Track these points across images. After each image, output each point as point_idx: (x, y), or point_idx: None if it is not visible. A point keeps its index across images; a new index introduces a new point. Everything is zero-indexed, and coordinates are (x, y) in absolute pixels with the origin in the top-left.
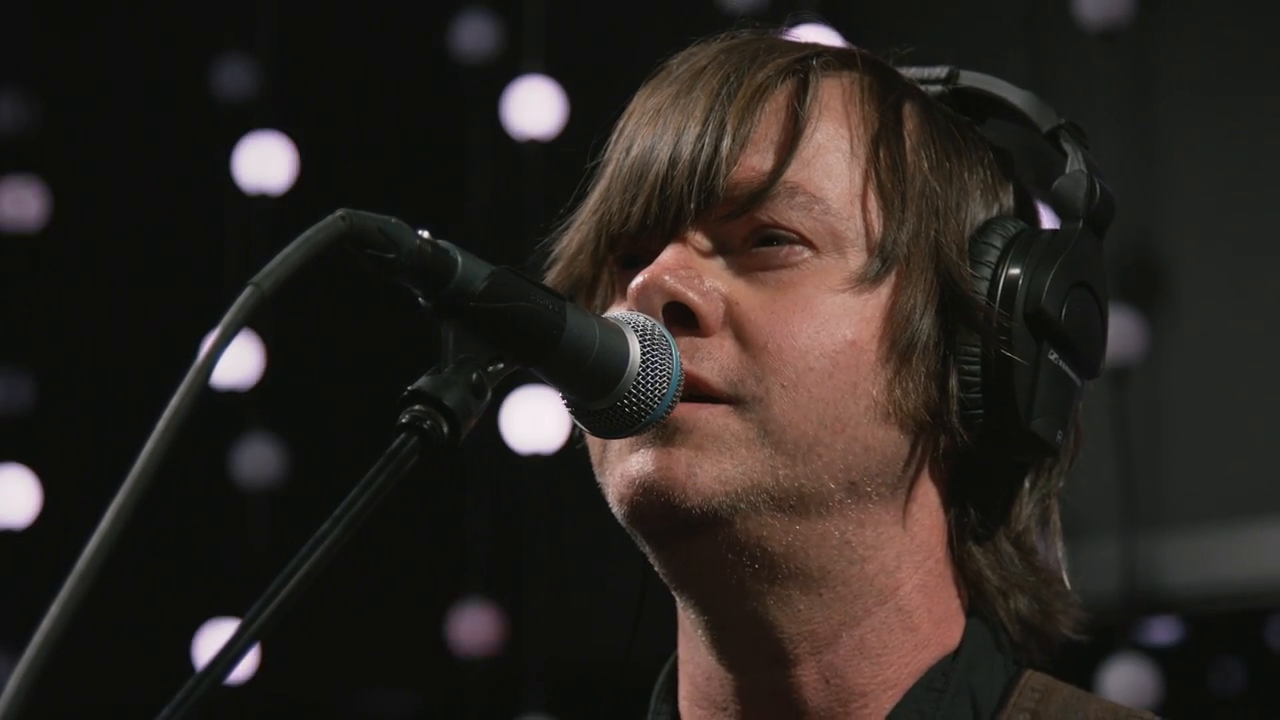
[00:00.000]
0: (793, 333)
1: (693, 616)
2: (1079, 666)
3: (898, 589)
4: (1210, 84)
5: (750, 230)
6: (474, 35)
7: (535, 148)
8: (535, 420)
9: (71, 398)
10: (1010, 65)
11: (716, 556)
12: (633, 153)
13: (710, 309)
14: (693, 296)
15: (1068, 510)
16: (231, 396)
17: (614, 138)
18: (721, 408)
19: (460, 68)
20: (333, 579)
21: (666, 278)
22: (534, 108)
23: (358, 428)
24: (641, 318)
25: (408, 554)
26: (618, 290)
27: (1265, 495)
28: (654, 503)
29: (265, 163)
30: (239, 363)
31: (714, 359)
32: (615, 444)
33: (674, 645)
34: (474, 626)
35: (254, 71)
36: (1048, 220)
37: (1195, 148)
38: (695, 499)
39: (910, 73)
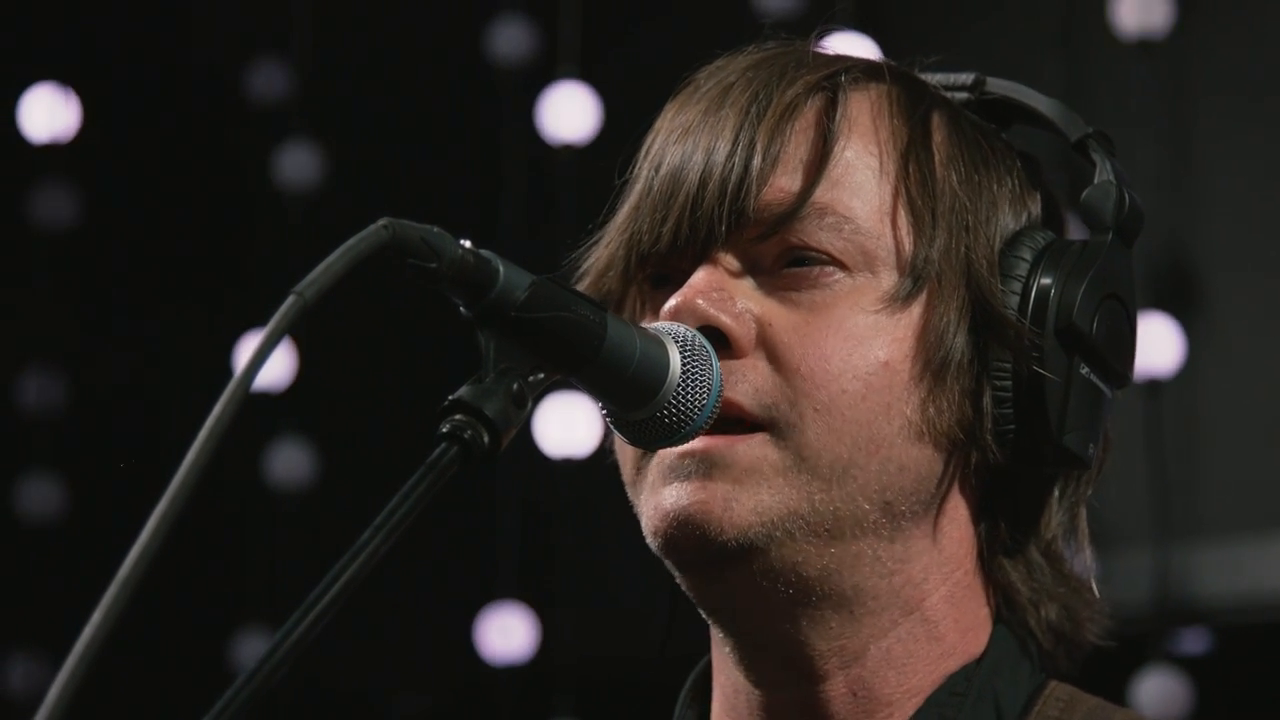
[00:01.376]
0: (826, 355)
1: (721, 636)
2: (1111, 677)
3: (924, 600)
4: (1247, 92)
5: (781, 251)
6: (509, 40)
7: (570, 153)
8: (567, 425)
9: (104, 399)
10: (1046, 73)
11: (751, 585)
12: (662, 171)
13: (743, 331)
14: (725, 320)
15: (1101, 520)
16: (264, 400)
17: (642, 153)
18: (759, 437)
19: (495, 72)
20: (365, 581)
21: (699, 301)
22: (569, 113)
23: (389, 431)
24: (681, 328)
25: (439, 557)
26: (647, 308)
27: None
28: (689, 536)
29: (300, 166)
30: (272, 366)
31: (748, 381)
32: (649, 470)
33: (702, 647)
34: (504, 630)
35: (289, 75)
36: (1075, 226)
37: (1232, 156)
38: (731, 532)
39: (936, 79)
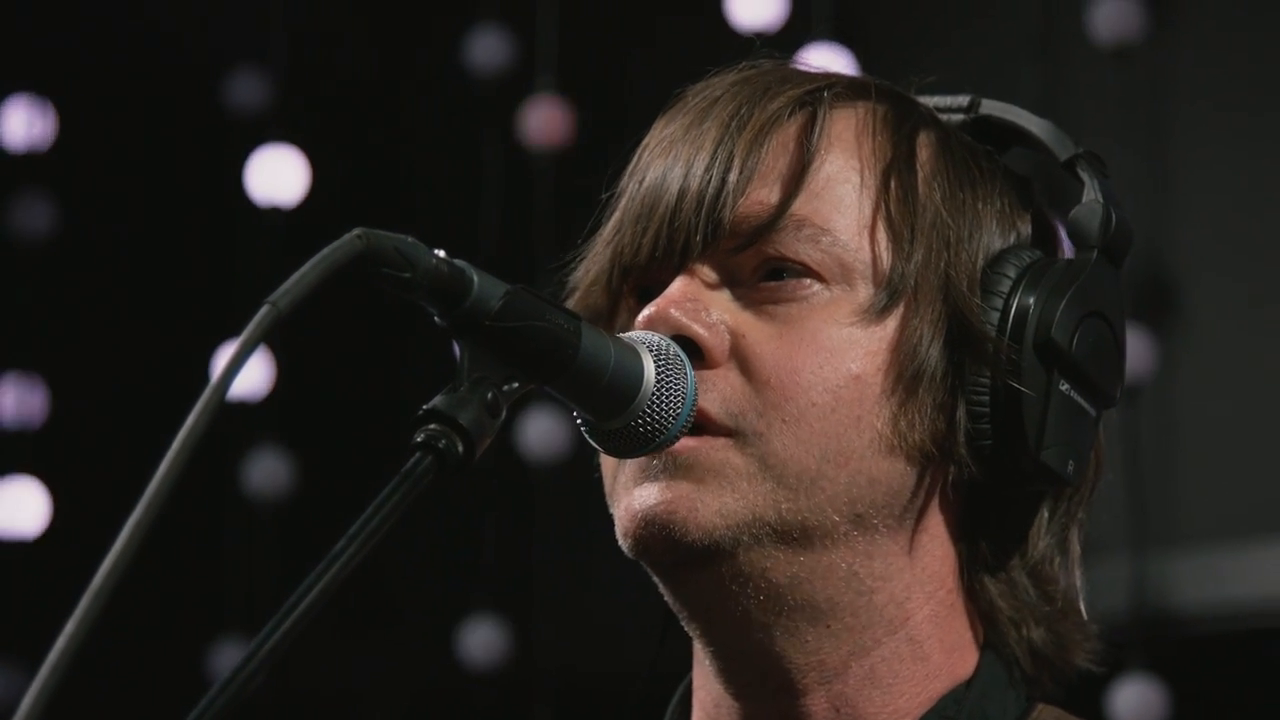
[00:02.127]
0: (796, 368)
1: (701, 645)
2: (1088, 686)
3: (908, 619)
4: (1223, 101)
5: (759, 263)
6: (487, 50)
7: (548, 162)
8: (548, 433)
9: (82, 409)
10: (1023, 83)
11: (721, 588)
12: (644, 184)
13: (715, 341)
14: (697, 329)
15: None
16: (242, 409)
17: (630, 168)
18: (721, 440)
19: (473, 82)
20: (343, 590)
21: (672, 310)
22: (547, 123)
23: (368, 441)
24: (656, 337)
25: (418, 565)
26: (634, 321)
27: (1275, 513)
28: (656, 536)
29: (277, 176)
30: (250, 375)
31: (717, 390)
32: (623, 476)
33: (689, 664)
34: (484, 640)
35: (266, 84)
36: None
37: (1208, 165)
38: (697, 532)
39: (933, 101)
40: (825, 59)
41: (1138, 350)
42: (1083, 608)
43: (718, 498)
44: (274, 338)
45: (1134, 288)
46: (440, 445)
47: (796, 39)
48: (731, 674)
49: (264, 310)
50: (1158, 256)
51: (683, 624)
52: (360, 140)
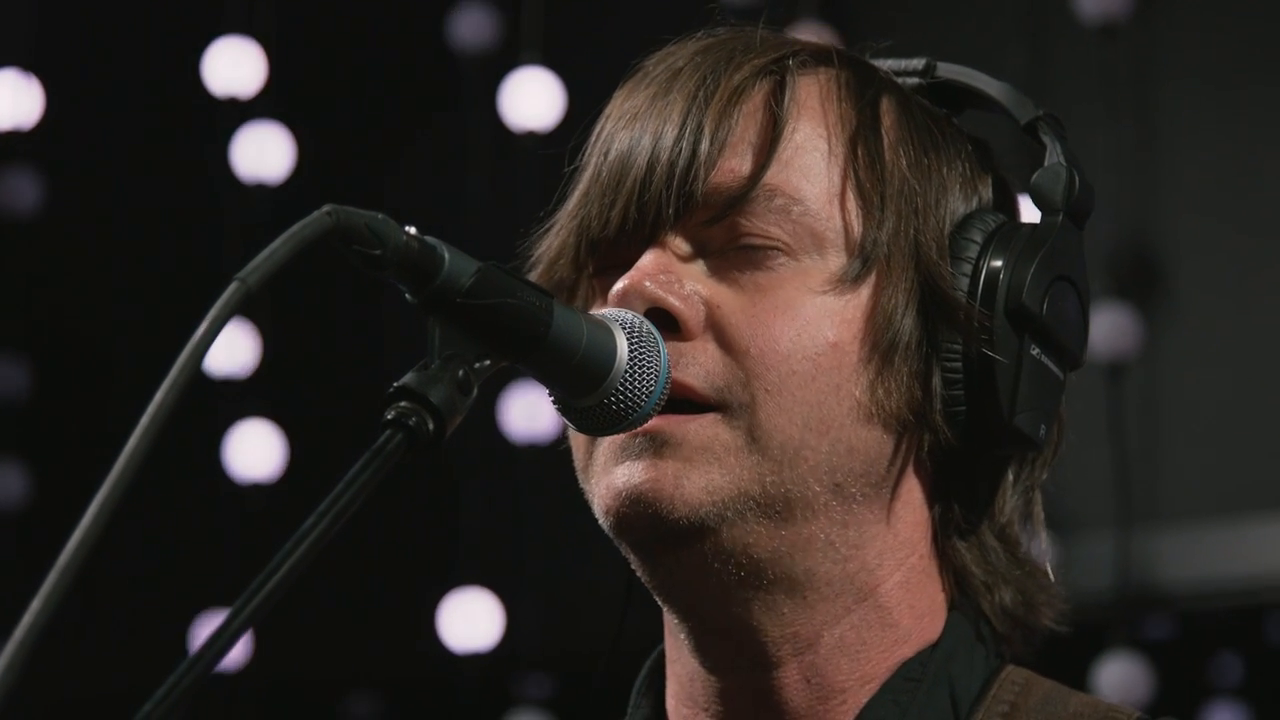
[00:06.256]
0: (774, 336)
1: (676, 621)
2: (1073, 662)
3: (877, 586)
4: (1209, 78)
5: (730, 233)
6: (472, 26)
7: (533, 140)
8: (531, 410)
9: (67, 387)
10: (1009, 60)
11: (702, 565)
12: (610, 156)
13: (691, 313)
14: (673, 301)
15: (1063, 506)
16: (227, 386)
17: (592, 140)
18: (709, 417)
19: (458, 59)
20: (325, 568)
21: (646, 283)
22: (532, 100)
23: (353, 419)
24: (629, 315)
25: (401, 544)
26: (599, 294)
27: (1260, 491)
28: (641, 514)
29: (263, 153)
30: (235, 353)
31: (698, 364)
32: (600, 453)
33: (662, 638)
34: (467, 618)
35: (253, 61)
36: (1027, 208)
37: (1194, 142)
38: (682, 509)
39: (887, 65)
40: (810, 38)
41: (1123, 327)
42: (1049, 569)
43: (704, 474)
44: (261, 315)
45: (1120, 264)
46: (410, 423)
47: (780, 17)
48: (706, 649)
49: (233, 286)
50: (1143, 233)
51: (658, 600)
52: (346, 117)
